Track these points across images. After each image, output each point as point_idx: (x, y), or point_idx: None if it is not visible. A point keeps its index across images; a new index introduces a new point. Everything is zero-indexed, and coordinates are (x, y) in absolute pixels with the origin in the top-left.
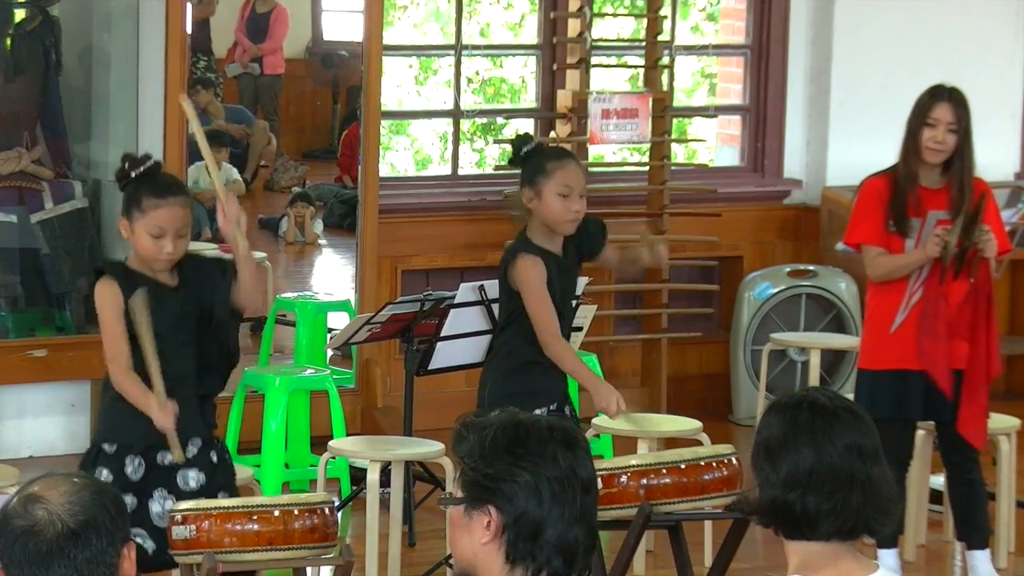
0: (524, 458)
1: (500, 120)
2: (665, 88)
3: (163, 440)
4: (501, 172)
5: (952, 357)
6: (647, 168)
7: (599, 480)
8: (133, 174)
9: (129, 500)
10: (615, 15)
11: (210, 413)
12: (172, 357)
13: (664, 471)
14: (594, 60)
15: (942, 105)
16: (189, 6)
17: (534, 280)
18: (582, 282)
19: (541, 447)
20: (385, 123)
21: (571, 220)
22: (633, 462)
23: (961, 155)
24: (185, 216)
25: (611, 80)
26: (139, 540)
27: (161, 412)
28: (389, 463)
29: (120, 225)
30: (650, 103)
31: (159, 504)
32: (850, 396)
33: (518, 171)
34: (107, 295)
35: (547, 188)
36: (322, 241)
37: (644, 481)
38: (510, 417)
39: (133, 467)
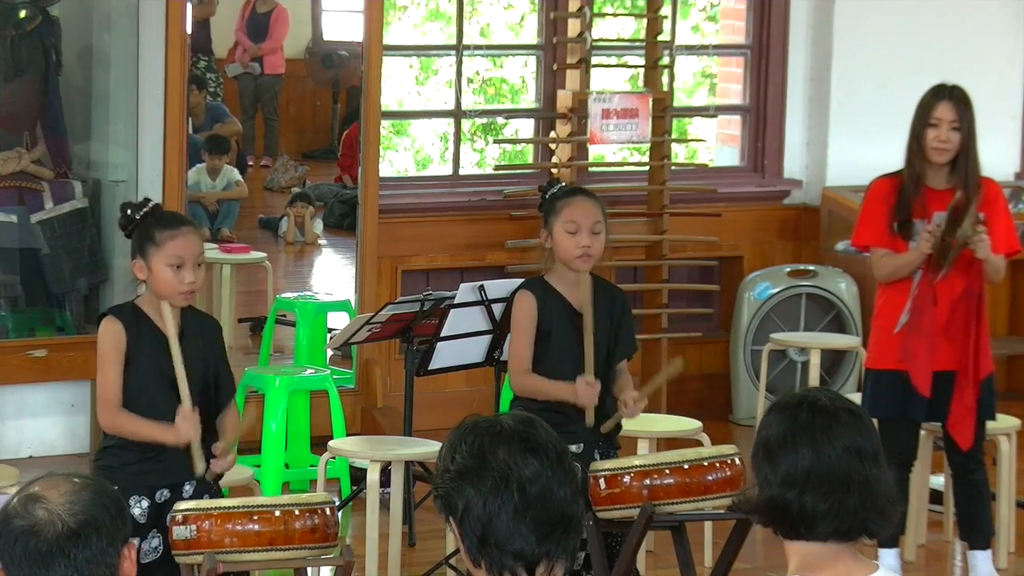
0: (463, 466)
1: (500, 120)
2: (665, 88)
3: (166, 477)
4: (501, 172)
5: (936, 358)
6: (647, 168)
7: (602, 480)
8: (137, 216)
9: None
10: (615, 15)
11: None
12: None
13: (667, 471)
14: (594, 60)
15: (944, 104)
16: (189, 6)
17: (517, 314)
18: None
19: (478, 450)
20: (385, 123)
21: (580, 256)
22: (636, 462)
23: (966, 154)
24: (200, 245)
25: (611, 80)
26: None
27: (186, 423)
28: (389, 463)
29: (134, 268)
30: (650, 103)
31: (148, 543)
32: (852, 396)
33: (518, 172)
34: (109, 332)
35: (557, 225)
36: (322, 241)
37: (647, 481)
38: (457, 426)
39: (141, 509)
